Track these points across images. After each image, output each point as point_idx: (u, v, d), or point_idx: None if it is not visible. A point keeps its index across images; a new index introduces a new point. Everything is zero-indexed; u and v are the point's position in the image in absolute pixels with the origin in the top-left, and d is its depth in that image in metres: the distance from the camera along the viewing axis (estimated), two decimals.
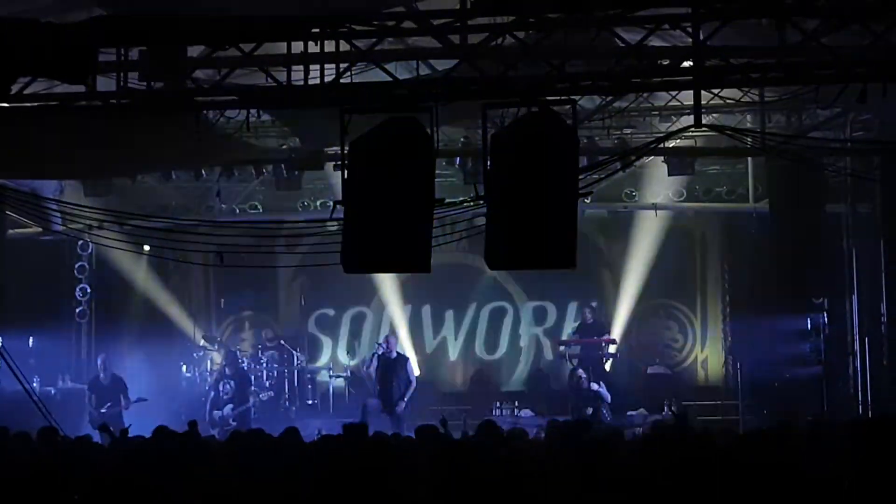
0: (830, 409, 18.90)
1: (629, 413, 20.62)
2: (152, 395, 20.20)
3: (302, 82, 12.70)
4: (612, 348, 21.93)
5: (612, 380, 21.41)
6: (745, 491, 7.90)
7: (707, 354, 23.36)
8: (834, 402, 19.34)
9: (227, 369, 20.35)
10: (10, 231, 20.29)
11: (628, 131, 19.43)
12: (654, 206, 21.91)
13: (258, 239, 18.26)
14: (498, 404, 21.78)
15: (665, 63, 12.97)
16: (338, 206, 12.04)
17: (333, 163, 18.75)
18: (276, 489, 8.58)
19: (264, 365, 21.94)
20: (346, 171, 11.96)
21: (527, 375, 23.38)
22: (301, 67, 12.73)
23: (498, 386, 23.22)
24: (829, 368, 19.92)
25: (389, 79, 12.84)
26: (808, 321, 20.71)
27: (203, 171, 20.56)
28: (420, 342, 23.35)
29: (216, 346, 22.30)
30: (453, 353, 23.80)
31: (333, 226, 15.50)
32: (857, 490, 7.13)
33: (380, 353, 19.55)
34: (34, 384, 18.35)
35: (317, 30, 12.32)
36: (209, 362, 22.15)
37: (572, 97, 12.35)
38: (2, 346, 15.49)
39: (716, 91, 14.82)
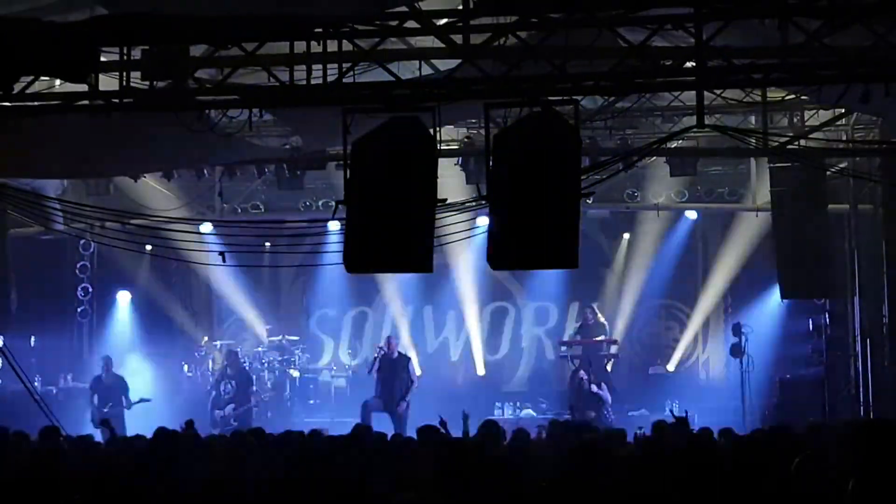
0: (831, 411, 18.90)
1: (630, 413, 20.63)
2: (154, 394, 20.21)
3: (304, 82, 12.70)
4: (613, 349, 21.94)
5: (614, 380, 21.42)
6: (745, 492, 7.89)
7: (708, 355, 23.36)
8: (835, 403, 19.35)
9: (228, 369, 20.36)
10: (12, 230, 20.28)
11: (630, 132, 19.40)
12: (657, 207, 21.91)
13: (260, 238, 18.26)
14: (499, 404, 21.81)
15: (667, 63, 12.97)
16: (340, 206, 12.02)
17: (336, 162, 18.75)
18: (277, 488, 8.57)
19: (266, 365, 21.94)
20: (348, 171, 11.95)
21: (528, 376, 23.37)
22: (303, 67, 12.72)
23: (499, 386, 23.22)
24: (831, 370, 19.93)
25: (392, 79, 12.84)
26: (810, 322, 20.73)
27: (205, 171, 20.55)
28: (422, 342, 23.35)
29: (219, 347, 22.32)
30: (455, 353, 23.80)
31: (335, 226, 15.54)
32: (859, 493, 7.12)
33: (381, 354, 19.57)
34: (36, 383, 18.37)
35: (319, 29, 12.31)
36: (211, 362, 22.15)
37: (575, 97, 12.34)
38: (4, 345, 15.49)
39: (718, 91, 14.80)
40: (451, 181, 19.11)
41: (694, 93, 13.07)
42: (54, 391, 20.45)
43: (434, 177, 11.81)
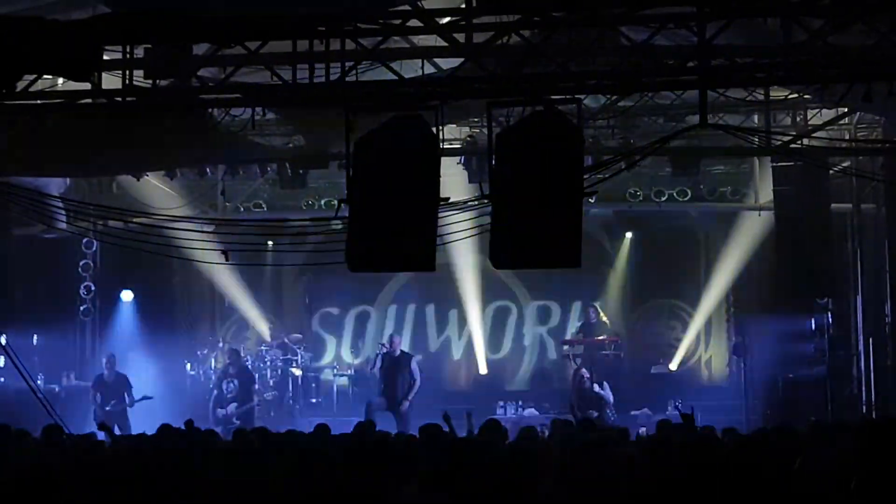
0: (834, 410, 18.90)
1: (633, 412, 20.63)
2: (157, 393, 20.21)
3: (307, 80, 12.69)
4: (615, 348, 21.93)
5: (616, 379, 21.42)
6: (748, 491, 7.89)
7: (711, 354, 23.37)
8: (838, 402, 19.34)
9: (230, 368, 20.36)
10: (15, 229, 20.29)
11: (633, 131, 19.41)
12: (659, 206, 21.91)
13: (262, 237, 18.25)
14: (502, 403, 21.81)
15: (670, 62, 12.95)
16: (343, 205, 12.02)
17: (338, 161, 18.75)
18: (280, 488, 8.57)
19: (268, 363, 21.95)
20: (351, 170, 11.96)
21: (531, 374, 23.37)
22: (306, 66, 12.72)
23: (502, 385, 23.22)
24: (834, 369, 19.92)
25: (395, 77, 12.84)
26: (813, 321, 20.71)
27: (208, 170, 20.56)
28: (424, 341, 23.36)
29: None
30: (457, 352, 23.80)
31: (338, 224, 15.53)
32: (861, 492, 7.12)
33: (384, 352, 19.57)
34: (39, 381, 18.37)
35: (322, 28, 12.31)
36: (213, 360, 22.15)
37: (577, 96, 12.35)
38: (6, 343, 15.49)
39: (721, 90, 14.80)
40: (453, 180, 19.14)
41: (697, 92, 13.07)
42: (57, 389, 20.45)
43: (437, 175, 11.81)
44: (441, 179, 11.89)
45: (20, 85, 12.50)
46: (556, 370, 22.94)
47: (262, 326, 23.19)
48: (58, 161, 16.50)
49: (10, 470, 8.81)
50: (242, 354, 21.57)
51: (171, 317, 23.17)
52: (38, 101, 13.13)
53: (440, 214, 12.01)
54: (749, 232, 22.02)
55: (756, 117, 18.79)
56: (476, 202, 13.58)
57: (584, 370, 20.33)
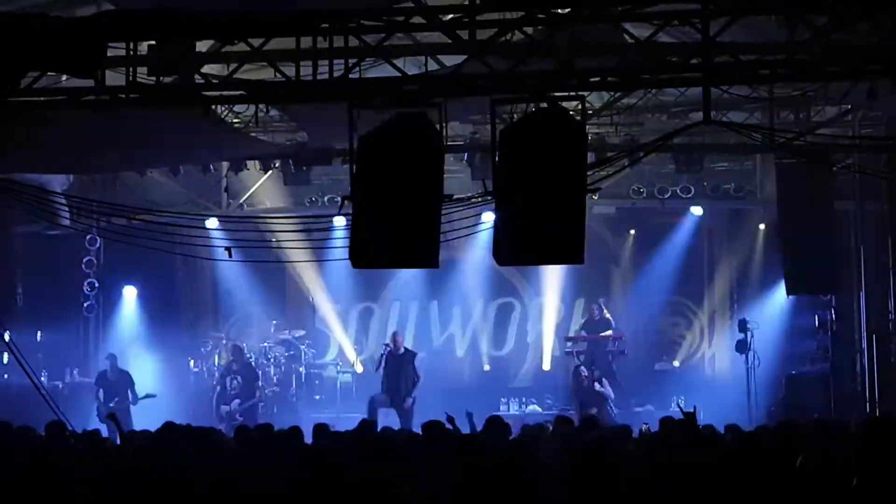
0: (837, 407, 18.89)
1: (636, 409, 20.64)
2: (160, 389, 20.24)
3: (311, 77, 12.69)
4: (619, 345, 21.93)
5: (619, 376, 21.43)
6: (751, 488, 7.90)
7: (714, 351, 23.35)
8: (841, 399, 19.33)
9: (233, 364, 20.37)
10: (19, 226, 20.31)
11: (636, 128, 19.41)
12: (663, 203, 21.90)
13: (266, 234, 18.27)
14: (505, 400, 21.82)
15: (674, 59, 12.94)
16: (346, 202, 12.02)
17: (341, 158, 18.75)
18: (283, 484, 8.59)
19: (271, 360, 21.96)
20: (354, 167, 11.96)
21: (534, 371, 23.37)
22: (310, 62, 12.72)
23: (505, 382, 23.22)
24: (836, 366, 19.91)
25: (398, 74, 12.84)
26: (816, 318, 20.71)
27: (211, 166, 20.57)
28: (427, 338, 23.35)
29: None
30: (460, 349, 23.80)
31: (341, 221, 15.54)
32: (864, 489, 7.12)
33: (387, 351, 19.59)
34: (42, 378, 18.39)
35: (326, 25, 12.31)
36: (216, 357, 22.17)
37: (581, 93, 12.35)
38: (10, 339, 15.51)
39: (725, 88, 14.79)
40: (457, 177, 19.17)
41: (700, 89, 13.06)
42: (60, 386, 20.48)
43: (440, 172, 11.81)
44: (444, 176, 11.89)
45: (24, 82, 12.51)
46: (559, 367, 22.91)
47: (265, 323, 23.18)
48: (61, 158, 16.52)
49: (15, 465, 8.83)
50: (245, 351, 21.60)
51: (175, 313, 23.18)
52: (42, 98, 13.13)
53: (443, 211, 12.00)
54: (752, 229, 21.99)
55: (759, 114, 18.78)
56: (479, 199, 13.58)
57: (582, 368, 20.35)
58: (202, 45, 13.21)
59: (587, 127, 13.43)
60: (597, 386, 19.86)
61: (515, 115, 12.43)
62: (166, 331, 22.56)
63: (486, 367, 23.44)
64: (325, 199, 22.05)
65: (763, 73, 12.94)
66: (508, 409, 21.17)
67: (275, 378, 21.81)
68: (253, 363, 21.29)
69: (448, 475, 8.11)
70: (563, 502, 7.83)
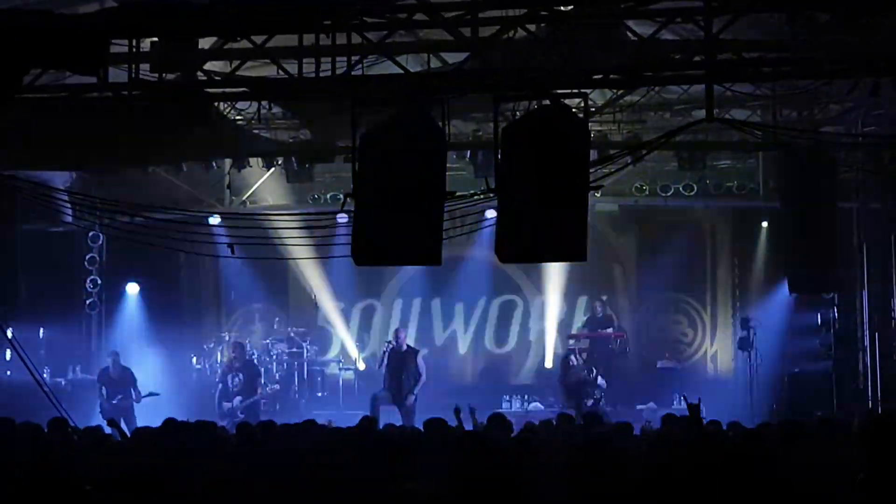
0: (840, 405, 18.89)
1: (638, 406, 20.64)
2: (162, 386, 20.24)
3: (313, 74, 12.69)
4: (621, 342, 21.93)
5: (622, 373, 21.43)
6: (753, 486, 7.89)
7: (717, 349, 23.34)
8: (843, 397, 19.33)
9: (235, 362, 20.37)
10: (21, 222, 20.29)
11: (639, 125, 19.39)
12: (665, 201, 21.90)
13: (268, 231, 18.26)
14: (507, 397, 21.82)
15: (677, 57, 12.94)
16: (348, 199, 12.02)
17: (344, 155, 18.74)
18: (286, 481, 8.59)
19: (274, 357, 21.96)
20: (357, 164, 11.96)
21: (536, 369, 23.37)
22: (312, 59, 12.72)
23: (507, 379, 23.22)
24: (839, 364, 19.90)
25: (401, 71, 12.83)
26: (819, 316, 20.70)
27: (214, 163, 20.57)
28: (430, 335, 23.36)
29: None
30: (463, 346, 23.81)
31: (344, 218, 15.53)
32: (867, 487, 7.12)
33: (390, 348, 19.60)
34: (45, 375, 18.38)
35: (328, 22, 12.31)
36: (219, 354, 22.18)
37: (584, 90, 12.36)
38: (13, 336, 15.50)
39: (728, 85, 14.77)
40: (459, 174, 19.16)
41: (703, 86, 13.05)
42: (63, 383, 20.49)
43: (443, 170, 11.81)
44: (447, 173, 11.89)
45: (27, 79, 12.52)
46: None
47: (268, 320, 23.19)
48: (64, 155, 16.51)
49: (16, 462, 8.84)
50: (248, 348, 21.61)
51: (177, 310, 23.19)
52: (45, 95, 13.14)
53: (446, 208, 12.00)
54: (755, 227, 21.98)
55: (762, 112, 18.76)
56: (482, 196, 13.58)
57: (572, 357, 20.37)
58: (205, 42, 13.21)
59: (590, 124, 13.41)
60: (586, 373, 19.88)
61: (518, 113, 12.41)
62: (169, 328, 22.57)
63: (489, 365, 23.42)
64: (328, 196, 22.06)
65: (766, 70, 12.94)
66: (511, 407, 21.18)
67: (277, 375, 21.82)
68: (256, 360, 21.30)
69: (450, 472, 8.10)
70: (565, 499, 7.83)
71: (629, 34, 12.49)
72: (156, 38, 12.56)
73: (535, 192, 11.51)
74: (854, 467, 7.74)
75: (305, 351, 22.20)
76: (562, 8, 12.37)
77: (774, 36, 13.04)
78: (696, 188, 21.79)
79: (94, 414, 19.13)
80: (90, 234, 22.03)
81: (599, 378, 19.89)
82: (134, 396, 19.48)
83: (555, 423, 12.58)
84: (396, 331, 20.33)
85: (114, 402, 19.33)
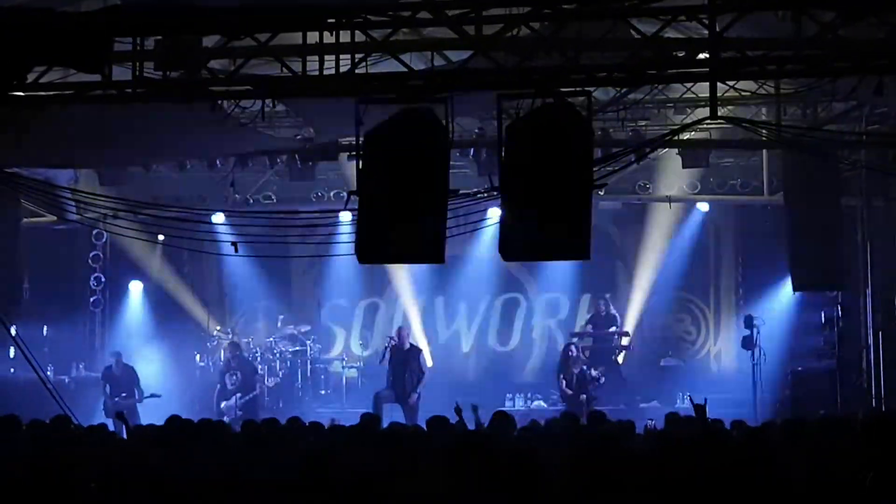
0: (843, 403, 18.87)
1: (642, 405, 20.63)
2: (166, 384, 20.27)
3: (317, 72, 12.69)
4: (624, 340, 21.93)
5: (625, 372, 21.43)
6: (757, 484, 7.89)
7: (720, 347, 23.34)
8: (847, 395, 19.30)
9: (231, 361, 20.39)
10: (25, 220, 20.34)
11: (643, 123, 19.39)
12: (668, 199, 21.91)
13: (272, 229, 18.27)
14: (510, 395, 21.82)
15: (681, 55, 12.93)
16: (352, 197, 12.03)
17: (348, 153, 18.75)
18: (288, 479, 8.59)
19: (277, 355, 21.97)
20: (360, 162, 11.96)
21: (539, 367, 23.37)
22: (316, 58, 12.72)
23: (510, 377, 23.22)
24: (843, 362, 19.88)
25: (404, 69, 12.83)
26: (822, 314, 20.69)
27: (217, 161, 20.58)
28: (433, 333, 23.37)
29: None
30: (466, 344, 23.81)
31: (347, 216, 15.53)
32: (876, 485, 7.12)
33: (392, 345, 19.61)
34: (48, 372, 18.42)
35: (332, 20, 12.30)
36: (222, 352, 22.20)
37: (587, 88, 12.33)
38: (16, 334, 15.53)
39: (731, 83, 14.75)
40: (463, 172, 19.16)
41: (707, 84, 13.04)
42: (66, 380, 20.52)
43: (446, 168, 11.81)
44: (450, 172, 11.89)
45: (30, 77, 12.52)
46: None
47: (272, 318, 23.20)
48: (67, 153, 16.52)
49: (21, 459, 8.84)
50: (252, 346, 21.65)
51: (181, 308, 23.21)
52: (49, 93, 13.14)
53: (449, 207, 12.00)
54: (758, 225, 21.97)
55: (766, 110, 18.75)
56: (485, 194, 13.58)
57: (573, 346, 20.38)
58: (209, 41, 13.20)
59: (593, 122, 13.39)
60: (585, 367, 19.92)
61: (521, 111, 12.39)
62: (172, 326, 22.59)
63: (492, 363, 23.42)
64: (331, 194, 22.06)
65: (770, 68, 12.92)
66: (514, 405, 21.19)
67: (280, 373, 21.82)
68: (252, 358, 21.35)
69: (453, 470, 8.11)
70: (568, 498, 7.83)
71: (633, 32, 12.47)
72: (159, 36, 12.56)
73: (539, 190, 11.51)
74: (858, 466, 7.73)
75: (309, 349, 22.21)
76: (565, 6, 12.35)
77: (778, 34, 13.02)
78: (699, 186, 21.77)
79: (98, 412, 19.18)
80: (94, 231, 22.04)
81: (594, 372, 19.92)
82: (137, 395, 19.51)
83: (560, 421, 12.58)
84: (399, 329, 20.35)
85: (117, 400, 19.37)
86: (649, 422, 14.70)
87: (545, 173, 11.51)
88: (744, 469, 8.04)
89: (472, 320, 23.68)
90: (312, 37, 12.69)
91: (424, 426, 11.52)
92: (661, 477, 8.08)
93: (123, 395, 19.51)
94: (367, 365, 22.38)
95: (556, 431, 11.90)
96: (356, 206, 11.96)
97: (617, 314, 22.17)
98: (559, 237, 11.66)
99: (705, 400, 10.54)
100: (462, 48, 13.43)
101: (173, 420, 11.76)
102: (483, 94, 13.33)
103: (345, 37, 12.58)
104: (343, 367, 22.57)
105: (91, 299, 22.79)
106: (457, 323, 23.78)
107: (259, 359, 21.64)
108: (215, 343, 22.38)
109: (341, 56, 12.63)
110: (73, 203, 18.68)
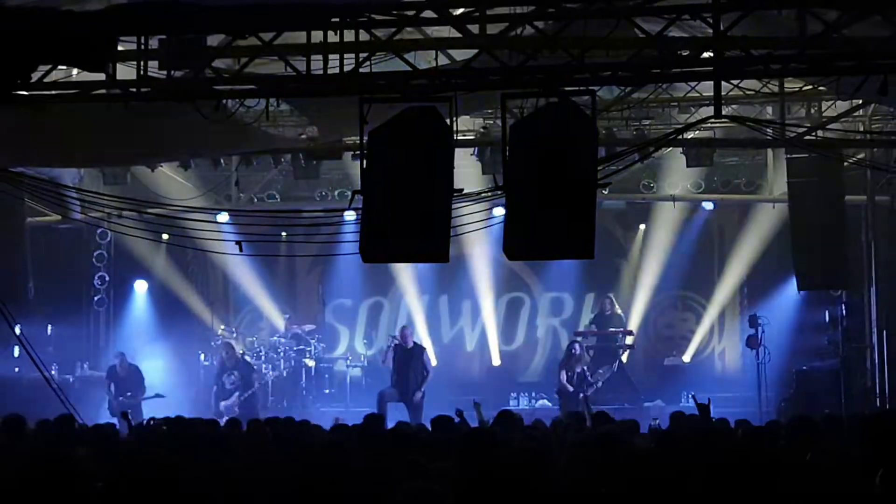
0: (847, 402, 18.87)
1: (646, 404, 20.63)
2: (170, 382, 20.29)
3: (321, 71, 12.69)
4: (628, 340, 21.93)
5: (629, 371, 21.42)
6: (761, 484, 7.88)
7: (724, 346, 23.34)
8: (851, 394, 19.31)
9: (225, 362, 20.39)
10: (30, 219, 20.36)
11: (647, 122, 19.39)
12: (673, 198, 21.91)
13: (276, 228, 18.28)
14: (514, 394, 21.83)
15: (685, 54, 12.93)
16: (356, 196, 12.03)
17: (352, 152, 18.76)
18: (292, 477, 8.59)
19: (282, 354, 21.99)
20: (364, 161, 11.96)
21: (543, 366, 23.37)
22: (320, 57, 12.71)
23: (515, 376, 23.23)
24: (847, 361, 19.88)
25: (409, 68, 12.83)
26: (826, 313, 20.69)
27: (221, 161, 20.59)
28: (437, 332, 23.38)
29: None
30: (470, 343, 23.81)
31: (351, 215, 15.54)
32: (886, 484, 7.11)
33: (395, 344, 19.62)
34: (53, 371, 18.44)
35: (336, 19, 12.31)
36: (221, 353, 22.20)
37: (591, 87, 12.32)
38: (21, 333, 15.53)
39: (736, 82, 14.77)
40: (467, 171, 19.14)
41: (711, 83, 13.04)
42: (71, 380, 20.55)
43: (451, 167, 11.80)
44: (455, 170, 11.89)
45: (35, 76, 12.53)
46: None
47: (276, 317, 23.22)
48: (72, 152, 16.52)
49: (25, 458, 8.84)
50: (256, 345, 21.69)
51: (185, 307, 23.23)
52: (53, 92, 13.15)
53: (454, 206, 12.00)
54: (763, 224, 21.98)
55: (770, 109, 18.75)
56: (489, 194, 13.58)
57: (576, 345, 20.39)
58: (213, 40, 13.21)
59: (597, 121, 13.39)
60: (589, 374, 19.96)
61: (526, 110, 12.39)
62: (177, 325, 22.61)
63: (496, 362, 23.43)
64: (336, 193, 22.07)
65: (774, 67, 12.91)
66: (518, 404, 21.21)
67: (284, 372, 21.84)
68: (262, 356, 21.37)
69: (458, 469, 8.10)
70: (573, 496, 7.83)
71: (637, 31, 12.47)
72: (164, 36, 12.57)
73: (543, 189, 11.50)
74: (863, 465, 7.72)
75: (313, 348, 22.22)
76: (569, 5, 12.34)
77: (782, 33, 13.01)
78: (703, 185, 21.77)
79: (102, 410, 19.21)
80: (98, 230, 22.06)
81: (591, 378, 19.93)
82: (141, 395, 19.55)
83: (564, 421, 12.57)
84: (402, 328, 20.36)
85: (121, 399, 19.39)
86: (653, 421, 14.69)
87: (549, 172, 11.50)
88: (748, 468, 8.02)
89: (476, 319, 23.68)
90: (317, 36, 12.69)
91: (429, 425, 11.52)
92: (665, 476, 8.07)
93: (129, 394, 19.54)
94: (371, 364, 22.40)
95: (560, 431, 11.90)
96: (360, 206, 11.96)
97: (622, 314, 22.16)
98: (563, 236, 11.66)
99: (709, 399, 10.54)
100: (466, 47, 13.44)
101: (177, 419, 11.77)
102: (487, 94, 13.35)
103: (349, 36, 12.58)
104: (347, 367, 22.59)
105: (95, 298, 22.81)
106: (461, 322, 23.78)
107: (263, 358, 21.65)
108: (219, 342, 22.39)
109: (345, 55, 12.63)
110: (78, 202, 18.69)
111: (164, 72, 12.71)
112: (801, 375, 20.13)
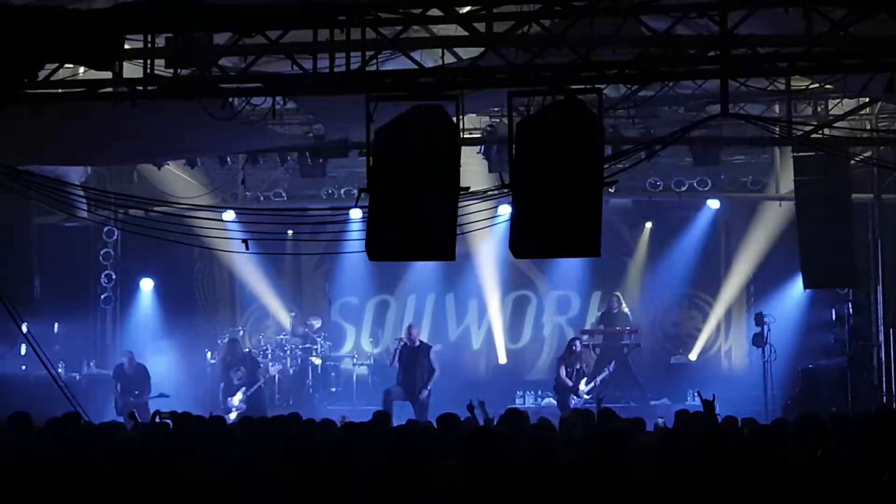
0: (854, 401, 18.85)
1: (652, 402, 20.62)
2: (177, 381, 20.31)
3: (327, 70, 12.70)
4: (634, 338, 21.91)
5: (635, 369, 21.41)
6: (768, 482, 7.88)
7: (731, 344, 23.32)
8: (857, 393, 19.29)
9: (232, 358, 20.42)
10: (37, 218, 20.38)
11: (653, 120, 19.36)
12: (680, 196, 21.87)
13: (282, 226, 18.28)
14: (521, 393, 21.82)
15: (691, 52, 12.91)
16: (363, 194, 12.03)
17: (358, 151, 18.75)
18: (297, 476, 8.59)
19: (288, 352, 22.00)
20: (371, 159, 11.96)
21: (550, 364, 23.36)
22: (327, 55, 12.72)
23: (521, 375, 23.22)
24: (854, 359, 19.87)
25: (415, 67, 12.83)
26: (833, 312, 20.67)
27: (228, 159, 20.60)
28: (443, 331, 23.37)
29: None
30: (476, 341, 23.81)
31: (358, 214, 15.54)
32: (892, 483, 7.10)
33: (402, 343, 19.63)
34: (59, 369, 18.46)
35: (343, 17, 12.31)
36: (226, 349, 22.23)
37: (598, 86, 12.32)
38: (27, 331, 15.56)
39: (742, 80, 14.74)
40: (473, 169, 19.14)
41: (718, 81, 13.02)
42: (77, 378, 20.57)
43: (457, 165, 11.80)
44: (461, 169, 11.89)
45: (42, 74, 12.55)
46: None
47: (282, 315, 23.23)
48: (79, 150, 16.55)
49: (32, 456, 8.86)
50: (262, 343, 21.69)
51: (192, 305, 23.25)
52: (60, 91, 13.17)
53: (460, 204, 12.00)
54: (769, 222, 21.95)
55: (777, 107, 18.72)
56: (496, 192, 13.58)
57: (577, 342, 20.40)
58: (219, 38, 13.22)
59: (604, 119, 13.38)
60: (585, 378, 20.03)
61: (532, 108, 12.39)
62: (183, 323, 22.63)
63: (503, 360, 23.43)
64: (342, 191, 22.07)
65: (781, 65, 12.89)
66: (524, 402, 21.21)
67: (291, 371, 21.85)
68: (269, 354, 21.38)
69: (464, 467, 8.10)
70: (580, 494, 7.83)
71: (644, 29, 12.46)
72: (170, 34, 12.58)
73: (550, 187, 11.51)
74: (870, 464, 7.72)
75: (319, 346, 22.24)
76: (576, 3, 12.34)
77: (789, 31, 12.99)
78: (710, 183, 21.75)
79: (109, 409, 19.22)
80: (105, 229, 22.08)
81: (584, 386, 19.96)
82: (148, 394, 19.59)
83: (570, 419, 12.58)
84: (409, 327, 20.37)
85: (129, 398, 19.42)
86: (659, 419, 14.68)
87: (556, 171, 11.51)
88: (755, 467, 8.02)
89: (482, 318, 23.67)
90: (323, 34, 12.69)
91: (435, 423, 11.52)
92: (671, 474, 8.07)
93: (136, 392, 19.57)
94: (378, 362, 22.39)
95: (566, 429, 11.90)
96: (367, 204, 11.96)
97: (629, 312, 22.15)
98: (570, 234, 11.66)
99: (713, 396, 10.52)
100: (473, 45, 13.43)
101: (184, 417, 11.78)
102: (494, 92, 13.34)
103: (355, 34, 12.58)
104: (354, 365, 22.59)
105: (102, 296, 22.82)
106: (467, 320, 23.77)
107: (270, 356, 21.68)
108: (225, 339, 22.42)
109: (352, 53, 12.62)
110: (84, 200, 18.71)
111: (171, 70, 12.72)
112: (807, 374, 20.11)
